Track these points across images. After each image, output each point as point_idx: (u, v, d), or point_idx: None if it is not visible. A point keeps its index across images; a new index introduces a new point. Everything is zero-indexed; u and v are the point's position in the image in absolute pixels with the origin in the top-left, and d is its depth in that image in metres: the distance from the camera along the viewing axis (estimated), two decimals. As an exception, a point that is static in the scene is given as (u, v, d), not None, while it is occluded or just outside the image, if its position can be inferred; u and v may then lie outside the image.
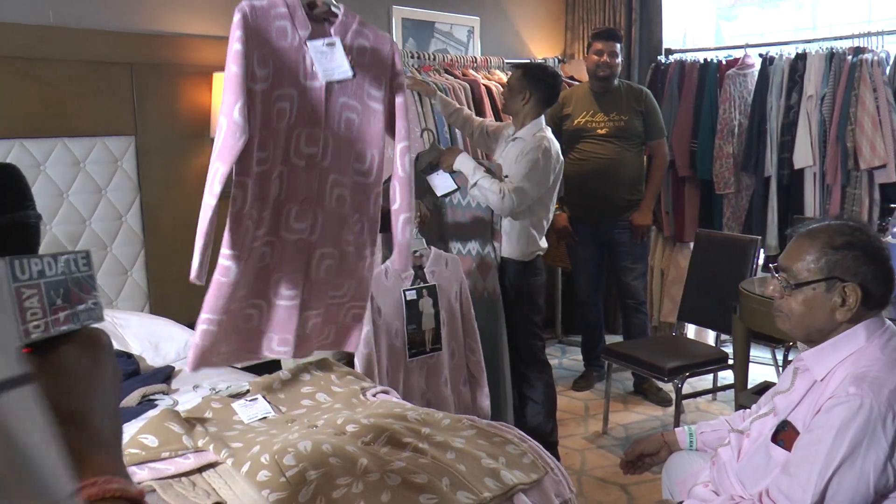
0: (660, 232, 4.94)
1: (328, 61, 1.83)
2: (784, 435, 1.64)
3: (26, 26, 3.14)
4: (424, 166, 3.20)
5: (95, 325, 0.73)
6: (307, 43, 1.82)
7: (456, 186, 3.18)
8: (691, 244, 4.72)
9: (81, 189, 3.31)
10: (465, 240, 3.22)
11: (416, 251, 2.75)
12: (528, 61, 4.53)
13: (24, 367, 0.47)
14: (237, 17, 1.75)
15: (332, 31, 1.85)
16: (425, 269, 2.81)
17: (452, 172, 3.17)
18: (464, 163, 3.13)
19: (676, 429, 2.22)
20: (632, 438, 3.79)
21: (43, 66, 3.20)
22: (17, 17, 3.13)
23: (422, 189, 3.12)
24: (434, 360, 2.82)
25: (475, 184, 3.07)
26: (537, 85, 3.23)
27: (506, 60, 4.52)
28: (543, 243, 3.34)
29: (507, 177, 3.12)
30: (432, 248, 2.85)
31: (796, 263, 1.68)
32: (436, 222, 3.19)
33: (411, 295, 2.77)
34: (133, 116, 3.49)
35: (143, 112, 3.52)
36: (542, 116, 3.29)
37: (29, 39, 3.14)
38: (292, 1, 1.81)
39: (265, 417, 2.22)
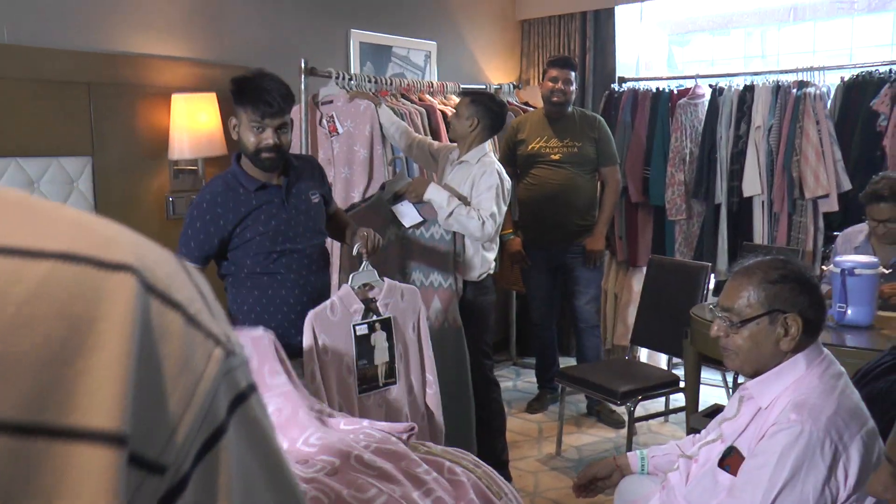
0: (613, 256, 5.03)
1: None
2: (730, 460, 1.71)
3: (-20, 44, 3.12)
4: (390, 196, 3.21)
5: None
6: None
7: (422, 219, 3.19)
8: (644, 268, 4.83)
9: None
10: (427, 271, 3.25)
11: (366, 284, 2.70)
12: (480, 87, 4.60)
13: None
14: None
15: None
16: (378, 302, 2.72)
17: (418, 203, 3.19)
18: (436, 193, 3.14)
19: (628, 453, 2.27)
20: (585, 460, 3.85)
21: (-4, 85, 3.17)
22: (-30, 35, 3.10)
23: (386, 219, 3.15)
24: (393, 395, 2.78)
25: (451, 213, 3.10)
26: (485, 112, 3.30)
27: (462, 86, 4.59)
28: (492, 263, 3.40)
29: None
30: (385, 279, 2.77)
31: (737, 302, 1.76)
32: (397, 253, 3.21)
33: (362, 329, 2.67)
34: (90, 136, 3.46)
35: (101, 132, 3.50)
36: (487, 142, 3.37)
37: (-18, 58, 3.12)
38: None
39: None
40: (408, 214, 3.18)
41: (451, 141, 3.51)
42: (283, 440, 2.10)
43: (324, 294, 2.78)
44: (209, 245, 2.58)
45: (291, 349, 2.56)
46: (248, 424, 0.45)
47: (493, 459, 2.65)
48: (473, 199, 3.19)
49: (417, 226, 3.22)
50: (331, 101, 3.87)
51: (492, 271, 3.42)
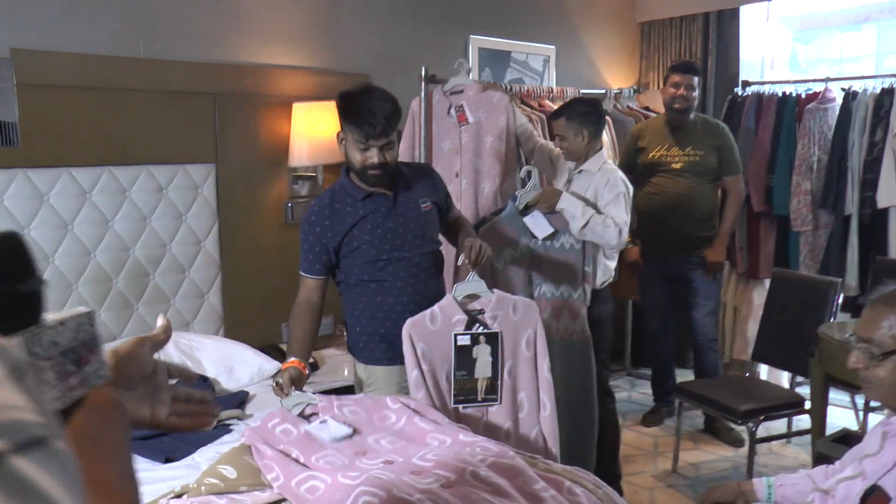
0: (733, 268, 4.84)
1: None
2: (873, 500, 1.59)
3: (118, 58, 3.27)
4: (521, 207, 3.14)
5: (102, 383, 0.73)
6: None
7: (553, 230, 3.12)
8: (766, 281, 4.63)
9: (163, 214, 3.42)
10: (556, 283, 3.19)
11: (472, 295, 2.65)
12: (575, 99, 4.47)
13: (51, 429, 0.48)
14: None
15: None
16: (486, 315, 2.64)
17: (550, 213, 3.12)
18: (569, 203, 3.08)
19: (754, 479, 2.16)
20: (702, 479, 3.71)
21: (131, 97, 3.32)
22: (110, 50, 3.26)
23: (517, 231, 3.12)
24: (492, 412, 2.70)
25: (587, 223, 3.03)
26: (584, 119, 3.23)
27: (581, 91, 4.50)
28: (612, 272, 3.33)
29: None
30: (496, 291, 2.69)
31: (877, 332, 1.63)
32: (527, 265, 3.16)
33: (464, 340, 2.61)
34: (214, 144, 3.59)
35: (224, 140, 3.62)
36: (603, 149, 3.33)
37: (120, 71, 3.27)
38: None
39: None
40: (539, 225, 3.11)
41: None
42: (398, 457, 2.10)
43: (437, 301, 2.77)
44: (325, 257, 2.64)
45: (399, 355, 2.59)
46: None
47: (605, 472, 2.57)
48: (601, 209, 3.13)
49: (550, 237, 3.15)
50: (461, 91, 3.83)
51: (611, 280, 3.34)
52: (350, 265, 2.65)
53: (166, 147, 3.43)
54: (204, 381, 3.09)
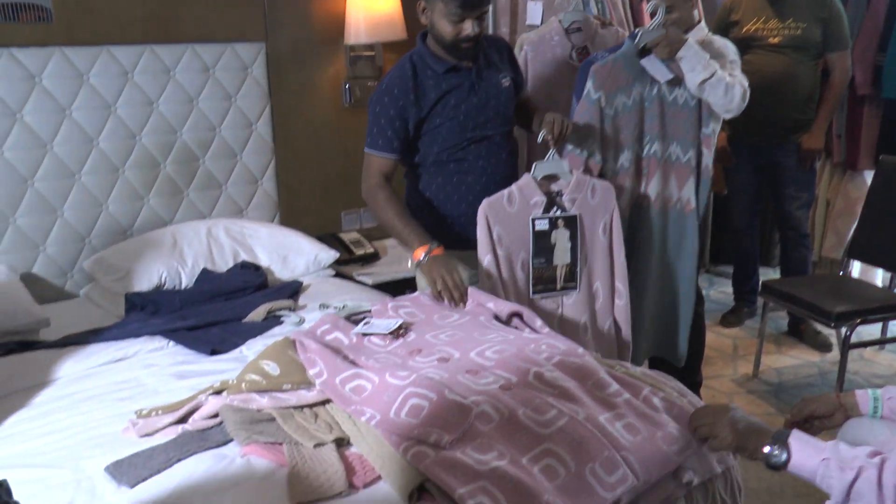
0: (828, 157, 4.41)
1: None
2: None
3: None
4: (640, 48, 2.65)
5: None
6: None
7: (673, 76, 2.67)
8: (865, 173, 4.21)
9: (211, 96, 3.22)
10: (667, 141, 2.76)
11: (551, 175, 2.44)
12: None
13: None
14: None
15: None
16: (564, 197, 2.46)
17: (669, 60, 2.64)
18: (694, 51, 2.58)
19: (857, 391, 1.89)
20: (785, 385, 3.46)
21: (175, -31, 3.08)
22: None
23: (630, 76, 2.67)
24: (571, 301, 2.54)
25: (712, 75, 2.56)
26: None
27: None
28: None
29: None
30: (575, 172, 2.49)
31: None
32: (637, 117, 2.77)
33: (542, 225, 2.45)
34: (264, 21, 3.34)
35: (275, 18, 3.37)
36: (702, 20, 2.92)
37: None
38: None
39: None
40: (659, 70, 2.67)
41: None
42: (453, 351, 1.91)
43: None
44: (405, 134, 2.46)
45: (471, 241, 2.45)
46: None
47: (686, 380, 2.33)
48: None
49: (671, 83, 2.69)
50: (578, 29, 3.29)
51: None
52: (429, 143, 2.48)
53: (212, 24, 3.20)
54: (256, 269, 2.95)
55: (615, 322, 2.58)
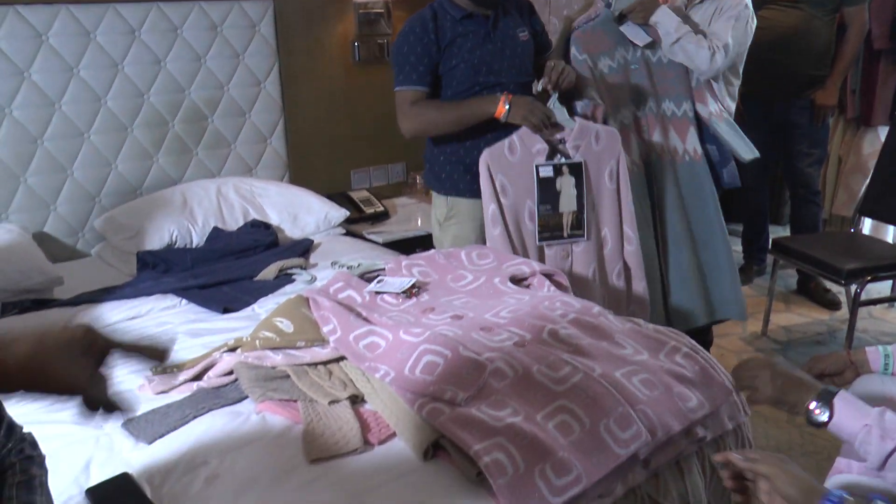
0: (842, 113, 4.36)
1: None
2: None
3: None
4: (617, 14, 2.73)
5: None
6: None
7: (650, 39, 2.73)
8: (879, 129, 4.16)
9: (218, 54, 3.19)
10: (659, 98, 2.79)
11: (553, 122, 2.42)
12: None
13: None
14: None
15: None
16: (567, 144, 2.45)
17: (644, 25, 2.72)
18: (665, 16, 2.68)
19: (867, 348, 1.89)
20: (794, 343, 3.47)
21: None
22: None
23: (614, 42, 2.72)
24: (580, 248, 2.54)
25: (677, 41, 2.65)
26: None
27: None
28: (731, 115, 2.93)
29: (702, 34, 2.70)
30: (578, 118, 2.48)
31: None
32: (625, 80, 2.78)
33: (546, 171, 2.44)
34: (271, -22, 3.30)
35: (283, -26, 3.33)
36: None
37: None
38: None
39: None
40: (637, 35, 2.71)
41: None
42: (467, 311, 1.91)
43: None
44: (430, 69, 2.45)
45: None
46: None
47: (698, 338, 2.34)
48: (710, 28, 2.74)
49: (649, 47, 2.75)
50: None
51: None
52: (445, 86, 2.48)
53: (219, -22, 3.16)
54: (266, 228, 2.95)
55: (626, 268, 2.57)
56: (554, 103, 2.43)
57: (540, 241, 2.48)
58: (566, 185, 2.46)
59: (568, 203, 2.48)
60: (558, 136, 2.45)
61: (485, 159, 2.39)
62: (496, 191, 2.40)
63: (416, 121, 2.45)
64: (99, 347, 0.98)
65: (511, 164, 2.40)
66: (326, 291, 2.07)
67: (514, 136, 2.41)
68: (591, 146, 2.47)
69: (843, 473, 1.58)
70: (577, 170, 2.46)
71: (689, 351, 1.74)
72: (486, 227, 2.43)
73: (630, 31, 2.72)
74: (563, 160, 2.45)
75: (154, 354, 1.04)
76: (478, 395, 1.54)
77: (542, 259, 2.49)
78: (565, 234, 2.50)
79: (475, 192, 2.50)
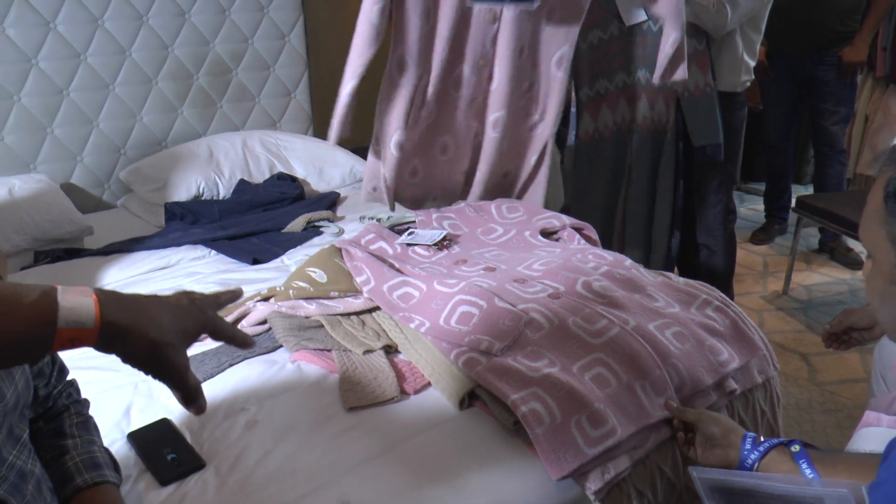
0: (870, 71, 4.30)
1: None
2: None
3: None
4: None
5: None
6: None
7: (646, 18, 2.71)
8: (909, 87, 4.11)
9: (243, 7, 3.17)
10: (644, 67, 2.79)
11: None
12: None
13: None
14: None
15: None
16: None
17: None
18: None
19: (900, 304, 1.90)
20: (815, 302, 3.47)
21: None
22: None
23: (610, 13, 2.71)
24: (512, 14, 2.21)
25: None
26: None
27: None
28: (751, 72, 2.90)
29: None
30: None
31: None
32: (620, 50, 2.78)
33: None
34: None
35: None
36: None
37: None
38: None
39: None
40: (632, 12, 2.68)
41: None
42: (499, 263, 1.92)
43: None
44: None
45: None
46: None
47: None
48: None
49: (638, 24, 2.73)
50: None
51: (749, 83, 2.92)
52: None
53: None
54: (293, 181, 2.96)
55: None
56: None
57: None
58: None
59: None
60: None
61: None
62: None
63: None
64: (201, 323, 0.89)
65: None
66: (358, 242, 2.08)
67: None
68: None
69: (872, 427, 1.59)
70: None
71: (720, 304, 1.75)
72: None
73: (624, 4, 2.68)
74: None
75: (244, 343, 0.95)
76: (514, 346, 1.56)
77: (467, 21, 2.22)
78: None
79: None
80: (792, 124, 4.01)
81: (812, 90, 3.77)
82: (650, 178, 2.94)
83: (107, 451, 1.20)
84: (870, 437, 1.53)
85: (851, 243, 3.85)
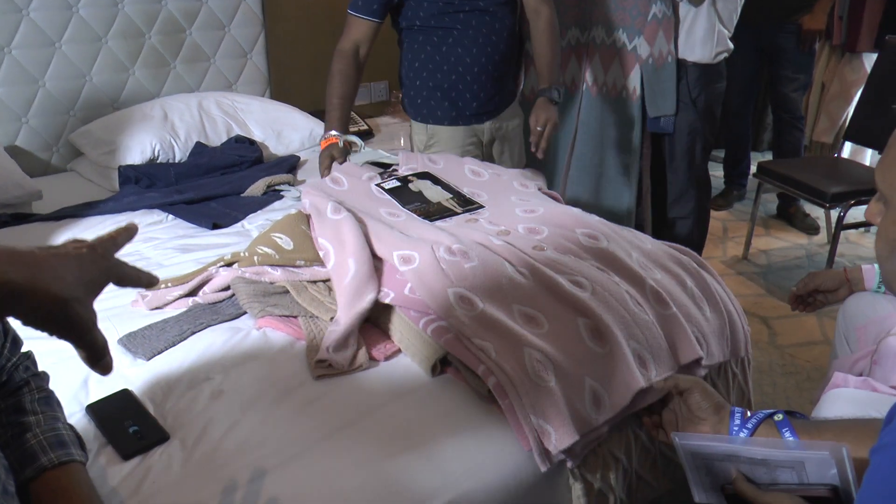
0: (827, 39, 4.33)
1: None
2: None
3: None
4: None
5: None
6: None
7: None
8: (863, 55, 4.15)
9: (197, -39, 3.05)
10: (611, 28, 2.77)
11: (376, 163, 2.40)
12: None
13: None
14: None
15: None
16: (401, 169, 2.25)
17: None
18: None
19: (863, 266, 1.92)
20: (774, 266, 3.51)
21: None
22: None
23: None
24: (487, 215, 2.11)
25: None
26: None
27: None
28: (728, 42, 2.88)
29: None
30: (401, 152, 2.37)
31: None
32: (576, 3, 2.73)
33: (392, 184, 2.10)
34: None
35: None
36: None
37: None
38: None
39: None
40: None
41: None
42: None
43: (508, 64, 2.46)
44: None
45: (464, 115, 2.42)
46: None
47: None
48: None
49: None
50: None
51: (728, 54, 2.89)
52: (416, 6, 2.33)
53: None
54: (251, 144, 2.87)
55: None
56: (363, 147, 2.43)
57: (432, 220, 1.93)
58: (424, 186, 2.12)
59: (436, 195, 2.07)
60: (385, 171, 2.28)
61: (307, 196, 2.00)
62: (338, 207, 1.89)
63: (330, 76, 2.40)
64: (105, 271, 0.82)
65: (341, 192, 2.07)
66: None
67: (336, 173, 2.18)
68: (429, 165, 2.24)
69: (840, 388, 1.61)
70: (425, 175, 2.17)
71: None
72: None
73: None
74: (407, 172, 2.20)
75: (150, 283, 0.92)
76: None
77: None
78: (460, 212, 1.98)
79: (454, 119, 2.44)
80: (752, 92, 4.03)
81: (772, 58, 3.79)
82: (597, 145, 2.91)
83: (71, 428, 1.13)
84: (838, 398, 1.54)
85: (808, 208, 3.90)
